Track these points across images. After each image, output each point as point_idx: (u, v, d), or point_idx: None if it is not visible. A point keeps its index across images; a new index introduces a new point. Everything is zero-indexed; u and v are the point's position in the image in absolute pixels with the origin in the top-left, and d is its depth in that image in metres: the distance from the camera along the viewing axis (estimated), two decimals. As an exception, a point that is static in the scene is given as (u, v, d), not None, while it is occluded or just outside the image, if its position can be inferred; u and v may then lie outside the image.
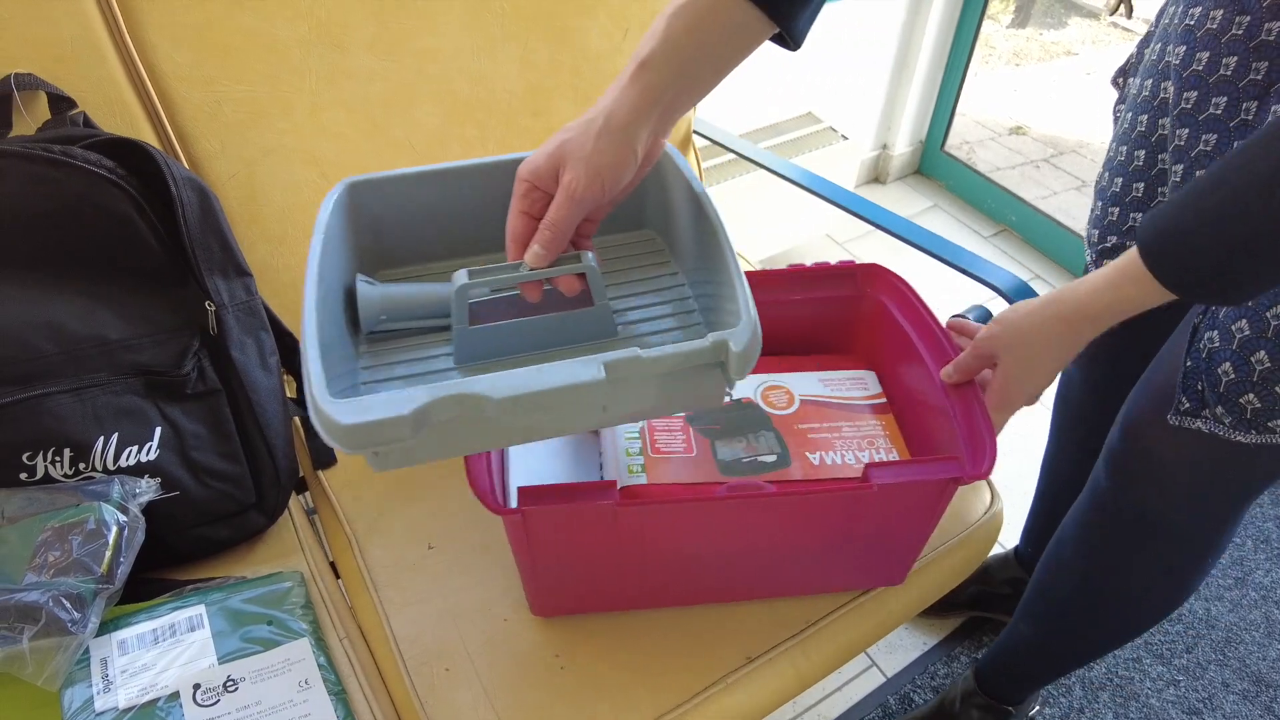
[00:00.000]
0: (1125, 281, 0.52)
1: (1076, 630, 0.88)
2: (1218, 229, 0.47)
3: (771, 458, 0.65)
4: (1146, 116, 0.72)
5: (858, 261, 0.75)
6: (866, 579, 0.70)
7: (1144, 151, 0.73)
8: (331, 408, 0.43)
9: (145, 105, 0.74)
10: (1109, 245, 0.79)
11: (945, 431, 0.63)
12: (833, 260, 0.76)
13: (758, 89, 1.56)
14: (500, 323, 0.54)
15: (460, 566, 0.73)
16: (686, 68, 0.49)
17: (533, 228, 0.51)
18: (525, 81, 0.91)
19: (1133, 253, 0.52)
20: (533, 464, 0.70)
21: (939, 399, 0.64)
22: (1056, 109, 2.42)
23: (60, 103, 0.69)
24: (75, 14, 0.69)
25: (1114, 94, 0.83)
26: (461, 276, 0.52)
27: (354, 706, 0.63)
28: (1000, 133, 2.28)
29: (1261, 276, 0.48)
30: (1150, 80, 0.72)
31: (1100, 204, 0.79)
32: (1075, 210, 1.94)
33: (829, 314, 0.76)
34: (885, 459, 0.65)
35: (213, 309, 0.71)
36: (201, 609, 0.66)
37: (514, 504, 0.55)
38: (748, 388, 0.72)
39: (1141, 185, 0.74)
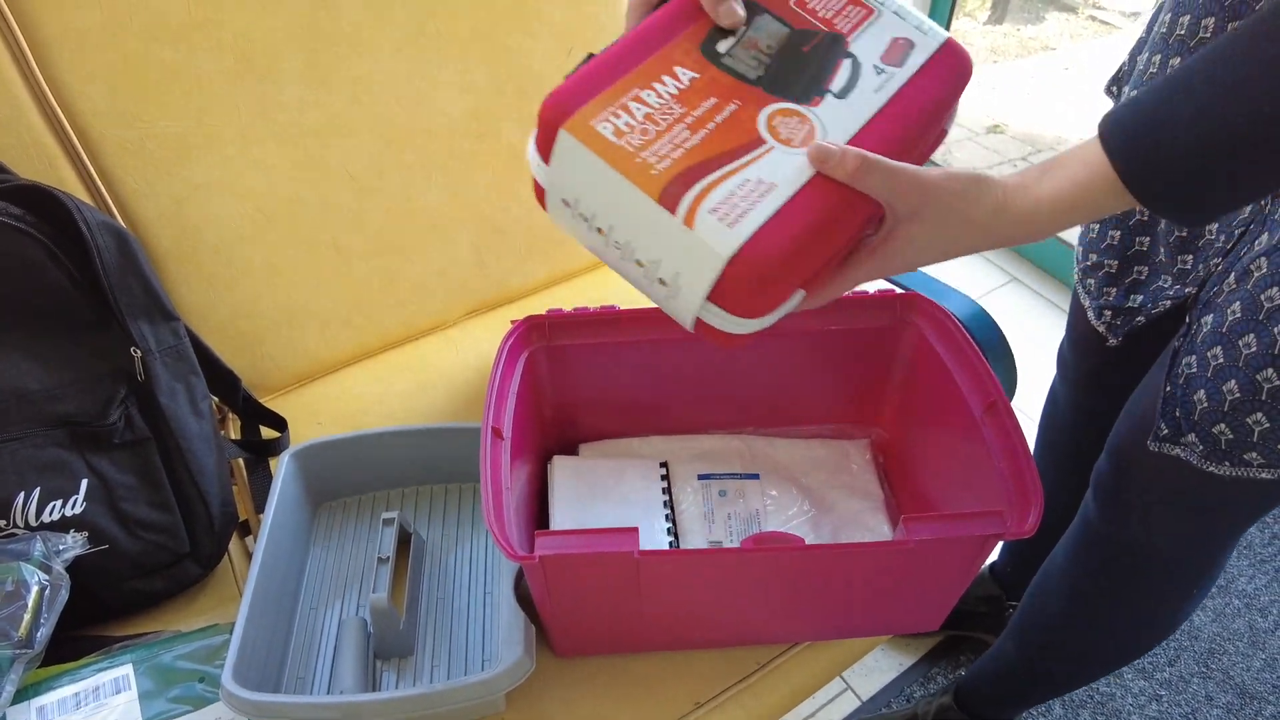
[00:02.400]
0: (1089, 177, 0.43)
1: (1066, 657, 0.86)
2: (1204, 120, 0.40)
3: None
4: None
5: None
6: (897, 625, 0.68)
7: None
8: (235, 689, 0.57)
9: (64, 146, 0.72)
10: (1089, 264, 0.76)
11: (983, 474, 0.59)
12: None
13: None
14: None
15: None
16: None
17: None
18: (465, 105, 0.88)
19: (1094, 149, 0.44)
20: (580, 510, 0.69)
21: (978, 440, 0.60)
22: (1034, 105, 2.40)
23: (-30, 148, 0.67)
24: (-18, 55, 0.66)
25: (1094, 87, 0.81)
26: (382, 602, 0.64)
27: (285, 769, 0.60)
28: (978, 131, 2.26)
29: (1239, 185, 0.42)
30: None
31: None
32: (1053, 209, 1.92)
33: (865, 345, 0.72)
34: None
35: (139, 355, 0.69)
36: (129, 668, 0.64)
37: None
38: None
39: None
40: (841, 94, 0.51)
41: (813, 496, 0.74)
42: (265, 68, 0.77)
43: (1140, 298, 0.74)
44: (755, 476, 0.74)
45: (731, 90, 0.49)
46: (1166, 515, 0.68)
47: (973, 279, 1.74)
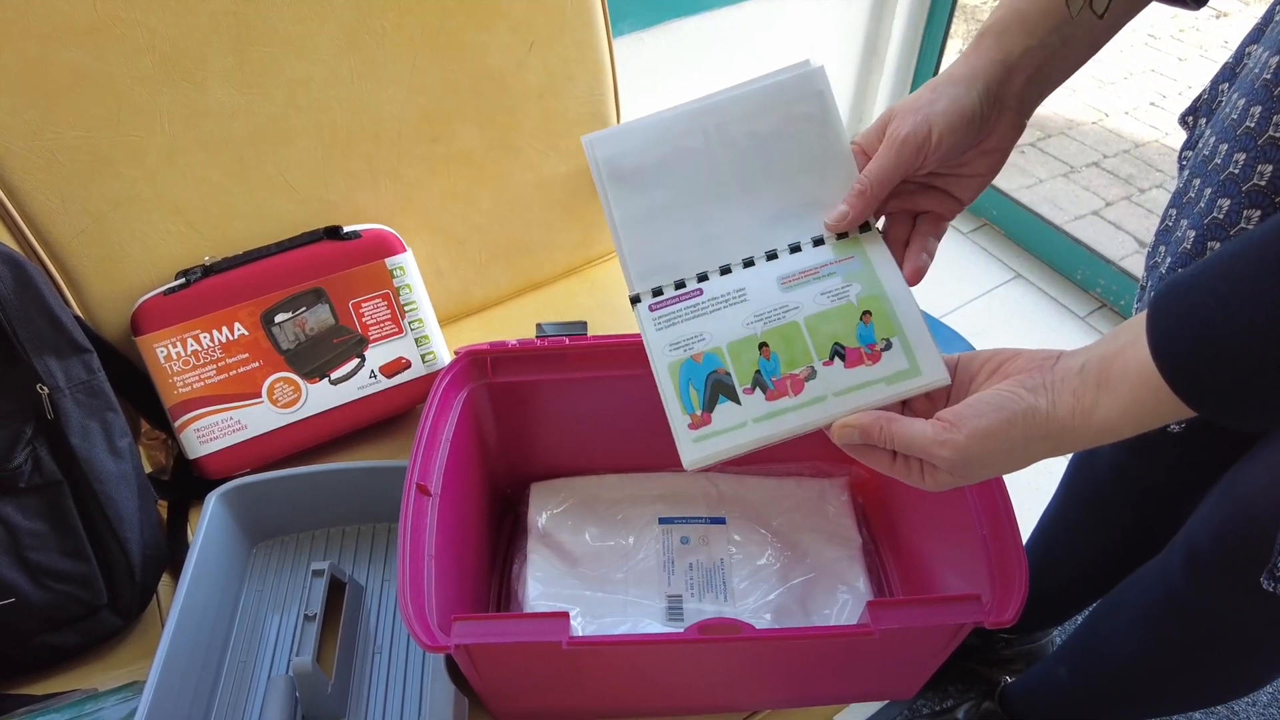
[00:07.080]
0: (1153, 398, 0.35)
1: (1133, 699, 0.79)
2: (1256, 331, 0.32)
3: None
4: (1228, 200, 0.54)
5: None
6: (868, 694, 0.63)
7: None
8: None
9: (-39, 160, 0.65)
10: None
11: (966, 534, 0.53)
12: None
13: (712, 83, 1.45)
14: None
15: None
16: (1034, 36, 0.44)
17: None
18: (417, 106, 0.81)
19: (1148, 364, 0.35)
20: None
21: (959, 495, 0.54)
22: (1045, 86, 2.30)
23: None
24: None
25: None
26: (306, 666, 0.58)
27: None
28: (984, 115, 2.16)
29: None
30: (1226, 145, 0.53)
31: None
32: (1061, 199, 1.84)
33: None
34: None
35: (46, 392, 0.63)
36: (30, 738, 0.59)
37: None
38: None
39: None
40: (335, 382, 0.76)
41: (784, 541, 0.68)
42: (188, 70, 0.71)
43: None
44: (721, 520, 0.68)
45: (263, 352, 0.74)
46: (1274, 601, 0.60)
47: (971, 275, 1.66)
